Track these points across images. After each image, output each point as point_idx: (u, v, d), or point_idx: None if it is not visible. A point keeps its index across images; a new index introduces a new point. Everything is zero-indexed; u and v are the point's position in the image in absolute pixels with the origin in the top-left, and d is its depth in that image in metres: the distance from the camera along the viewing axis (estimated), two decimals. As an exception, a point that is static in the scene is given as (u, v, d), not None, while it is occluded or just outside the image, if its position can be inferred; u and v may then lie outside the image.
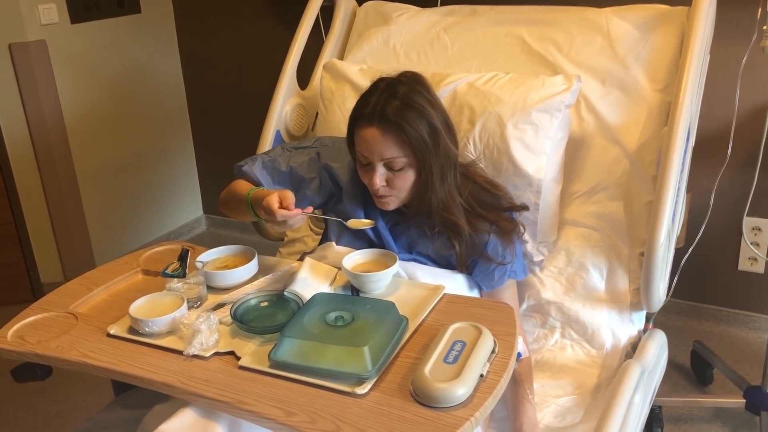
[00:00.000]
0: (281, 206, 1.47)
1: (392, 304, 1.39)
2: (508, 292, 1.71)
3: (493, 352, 1.30)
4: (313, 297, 1.44)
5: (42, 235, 3.36)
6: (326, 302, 1.41)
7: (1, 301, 3.32)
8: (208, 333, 1.37)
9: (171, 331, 1.41)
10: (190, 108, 3.99)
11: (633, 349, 1.73)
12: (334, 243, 1.72)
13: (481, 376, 1.23)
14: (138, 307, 1.45)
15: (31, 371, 1.46)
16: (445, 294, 1.53)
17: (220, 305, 1.51)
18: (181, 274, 1.50)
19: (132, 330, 1.43)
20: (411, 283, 1.58)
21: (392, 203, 1.64)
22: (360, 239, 1.72)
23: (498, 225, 1.64)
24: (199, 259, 1.62)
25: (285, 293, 1.49)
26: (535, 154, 1.79)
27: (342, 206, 1.74)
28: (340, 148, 1.76)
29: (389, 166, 1.56)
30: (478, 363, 1.24)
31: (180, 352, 1.35)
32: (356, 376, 1.23)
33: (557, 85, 1.82)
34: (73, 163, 3.36)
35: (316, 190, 1.76)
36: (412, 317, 1.43)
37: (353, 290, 1.55)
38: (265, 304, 1.49)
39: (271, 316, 1.45)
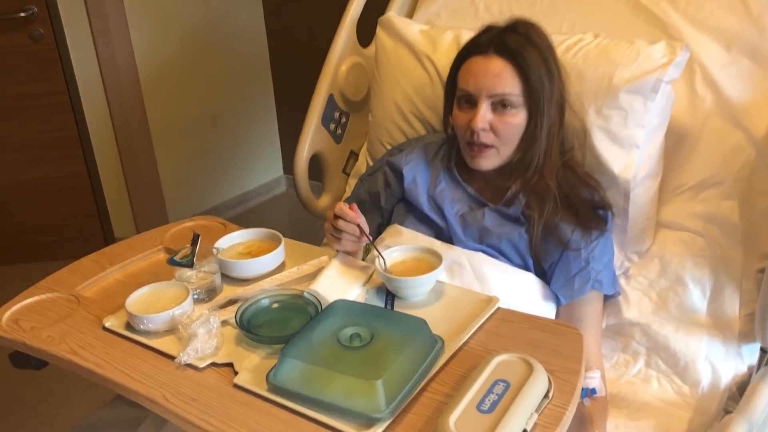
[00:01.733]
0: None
1: (423, 322, 1.13)
2: (590, 308, 1.40)
3: (545, 397, 1.02)
4: (332, 305, 1.20)
5: (115, 188, 3.30)
6: (344, 313, 1.17)
7: (75, 254, 3.30)
8: (206, 338, 1.16)
9: (170, 330, 1.22)
10: (272, 62, 3.79)
11: (739, 392, 1.38)
12: (398, 225, 1.48)
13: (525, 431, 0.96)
14: (136, 298, 1.26)
15: (26, 359, 1.31)
16: (499, 308, 1.25)
17: (233, 301, 1.30)
18: (189, 263, 1.29)
19: (129, 325, 1.24)
20: (459, 290, 1.31)
21: (490, 158, 1.40)
22: (425, 223, 1.47)
23: (588, 222, 1.34)
24: (216, 244, 1.41)
25: (304, 293, 1.26)
26: (624, 148, 1.44)
27: (409, 195, 1.51)
28: (408, 143, 1.60)
29: (499, 104, 1.35)
30: (522, 415, 0.96)
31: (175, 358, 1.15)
32: (365, 416, 0.99)
33: (656, 57, 1.45)
34: (147, 116, 3.26)
35: (387, 199, 1.58)
36: (452, 338, 1.16)
37: (388, 294, 1.29)
38: (278, 305, 1.26)
39: (282, 322, 1.22)
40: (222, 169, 3.72)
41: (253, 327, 1.20)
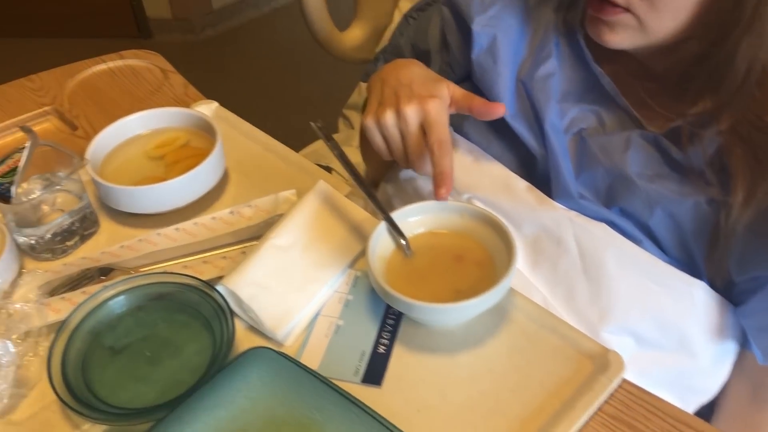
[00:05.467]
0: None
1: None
2: None
3: None
4: (254, 354, 0.54)
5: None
6: (274, 382, 0.52)
7: (105, 33, 2.72)
8: (-11, 382, 0.56)
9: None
10: None
11: None
12: (460, 138, 0.76)
13: None
14: None
15: None
16: (623, 380, 0.57)
17: (97, 274, 0.67)
18: (7, 192, 0.65)
19: None
20: (540, 315, 0.62)
21: (621, 32, 0.65)
22: (503, 138, 0.74)
23: None
24: (92, 145, 0.74)
25: (217, 288, 0.61)
26: None
27: (479, 74, 0.75)
28: None
29: None
30: None
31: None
32: None
33: None
34: None
35: (442, 68, 0.82)
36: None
37: (390, 307, 0.62)
38: (148, 309, 0.62)
39: (150, 361, 0.59)
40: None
41: (94, 367, 0.58)
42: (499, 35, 0.73)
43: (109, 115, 0.89)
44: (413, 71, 0.70)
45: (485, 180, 0.71)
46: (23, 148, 0.69)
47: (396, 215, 0.63)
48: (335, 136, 1.21)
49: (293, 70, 2.44)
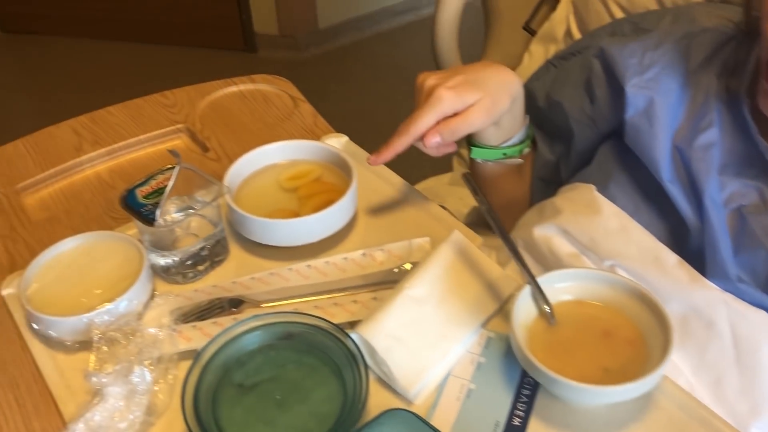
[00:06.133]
0: None
1: None
2: None
3: None
4: (385, 419, 0.52)
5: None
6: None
7: (213, 44, 2.80)
8: (120, 407, 0.56)
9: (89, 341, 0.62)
10: None
11: None
12: (594, 190, 0.73)
13: None
14: (49, 264, 0.66)
15: None
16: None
17: (227, 305, 0.67)
18: (150, 214, 0.65)
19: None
20: (692, 412, 0.57)
21: None
22: (654, 204, 0.71)
23: None
24: (230, 172, 0.74)
25: (351, 336, 0.59)
26: None
27: (632, 134, 0.72)
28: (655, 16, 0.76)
29: None
30: None
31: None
32: None
33: None
34: None
35: (584, 126, 0.78)
36: None
37: (527, 375, 0.59)
38: (277, 350, 0.61)
39: (278, 404, 0.57)
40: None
41: (224, 404, 0.57)
42: (657, 98, 0.69)
43: (240, 139, 0.90)
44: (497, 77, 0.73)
45: (632, 249, 0.67)
46: (166, 169, 0.70)
47: (542, 280, 0.60)
48: (449, 175, 1.18)
49: (395, 96, 2.45)
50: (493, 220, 0.64)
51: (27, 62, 2.86)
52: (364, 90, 2.56)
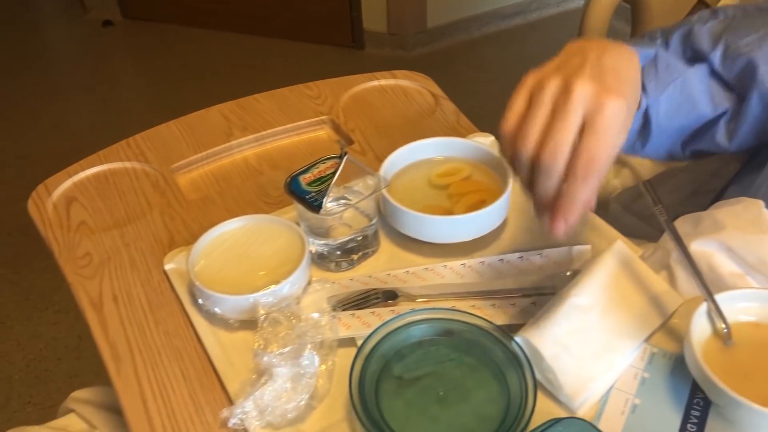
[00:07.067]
0: None
1: None
2: None
3: None
4: (559, 427, 0.51)
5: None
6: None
7: (322, 39, 2.85)
8: (288, 388, 0.57)
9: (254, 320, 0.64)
10: None
11: None
12: (764, 207, 0.68)
13: None
14: (213, 242, 0.69)
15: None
16: None
17: (383, 296, 0.67)
18: (317, 202, 0.66)
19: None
20: None
21: None
22: None
23: None
24: (385, 165, 0.75)
25: (515, 339, 0.59)
26: None
27: None
28: None
29: None
30: None
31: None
32: None
33: None
34: None
35: None
36: None
37: (697, 391, 0.57)
38: (438, 345, 0.61)
39: (440, 401, 0.57)
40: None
41: (385, 395, 0.57)
42: None
43: (383, 133, 0.91)
44: (628, 64, 0.55)
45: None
46: (326, 158, 0.71)
47: (720, 297, 0.58)
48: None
49: (504, 98, 2.42)
50: (671, 232, 0.62)
51: (145, 48, 2.98)
52: (472, 91, 2.54)
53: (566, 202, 0.49)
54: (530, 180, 0.52)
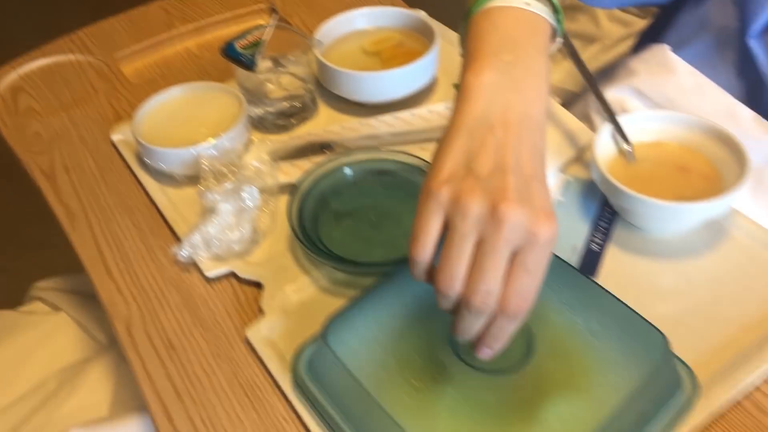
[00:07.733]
0: None
1: (660, 339, 0.48)
2: None
3: None
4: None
5: None
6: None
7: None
8: (232, 221, 0.62)
9: (197, 176, 0.68)
10: None
11: None
12: (667, 50, 0.74)
13: None
14: (158, 108, 0.72)
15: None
16: None
17: (319, 147, 0.72)
18: (249, 60, 0.70)
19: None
20: (765, 242, 0.61)
21: None
22: (743, 77, 0.71)
23: None
24: (320, 29, 0.79)
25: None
26: None
27: None
28: None
29: None
30: None
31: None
32: None
33: None
34: None
35: None
36: (719, 371, 0.51)
37: (606, 208, 0.64)
38: (383, 182, 0.66)
39: (373, 225, 0.63)
40: None
41: (323, 225, 0.62)
42: None
43: (321, 17, 0.94)
44: (537, 138, 0.47)
45: (706, 106, 0.70)
46: (260, 26, 0.74)
47: (622, 119, 0.63)
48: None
49: None
50: (576, 61, 0.67)
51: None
52: None
53: (494, 335, 0.43)
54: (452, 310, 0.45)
